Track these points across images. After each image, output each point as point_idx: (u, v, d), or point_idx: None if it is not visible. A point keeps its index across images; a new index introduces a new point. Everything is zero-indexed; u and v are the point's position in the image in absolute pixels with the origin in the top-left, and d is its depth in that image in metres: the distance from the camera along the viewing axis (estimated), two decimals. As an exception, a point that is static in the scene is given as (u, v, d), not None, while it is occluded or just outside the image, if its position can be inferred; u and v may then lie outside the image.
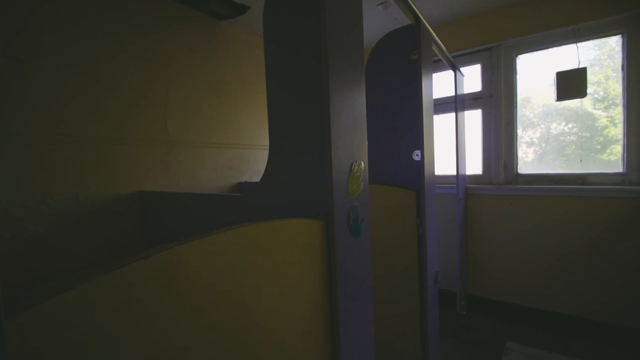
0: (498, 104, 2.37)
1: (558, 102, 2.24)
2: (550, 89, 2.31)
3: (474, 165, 2.52)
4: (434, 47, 1.68)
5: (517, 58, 2.34)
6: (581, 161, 2.20)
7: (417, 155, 1.41)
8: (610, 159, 2.12)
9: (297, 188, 0.83)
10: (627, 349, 1.91)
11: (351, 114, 0.79)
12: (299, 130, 0.81)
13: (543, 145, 2.38)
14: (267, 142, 2.61)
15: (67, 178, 1.48)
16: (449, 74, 2.51)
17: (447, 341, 2.11)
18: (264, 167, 2.54)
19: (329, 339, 0.77)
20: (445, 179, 2.55)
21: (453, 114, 2.34)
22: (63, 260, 1.47)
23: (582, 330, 2.06)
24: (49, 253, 1.43)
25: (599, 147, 2.20)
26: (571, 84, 2.10)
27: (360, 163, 0.80)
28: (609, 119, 2.15)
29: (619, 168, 2.06)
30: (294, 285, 0.67)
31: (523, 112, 2.39)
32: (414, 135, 1.42)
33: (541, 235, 2.18)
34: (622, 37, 2.04)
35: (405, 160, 1.45)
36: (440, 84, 2.63)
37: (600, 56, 2.21)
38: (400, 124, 1.49)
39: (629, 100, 2.02)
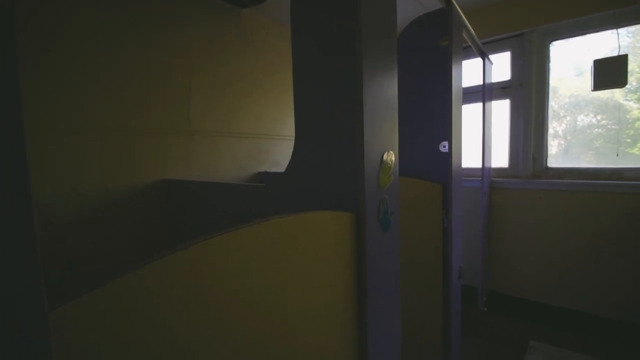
0: (528, 93, 2.26)
1: (586, 93, 2.11)
2: (578, 79, 2.18)
3: (500, 158, 2.43)
4: (464, 34, 1.60)
5: (551, 45, 2.21)
6: (617, 155, 2.08)
7: (444, 146, 1.36)
8: (648, 153, 1.99)
9: (324, 179, 0.81)
10: (661, 353, 1.82)
11: (383, 103, 0.75)
12: (328, 119, 0.78)
13: (568, 138, 2.26)
14: (286, 133, 2.60)
15: (94, 168, 1.51)
16: (476, 62, 2.40)
17: (467, 337, 2.07)
18: (283, 157, 2.54)
19: (357, 332, 0.75)
20: (469, 171, 2.47)
21: (480, 104, 2.25)
22: (91, 248, 1.52)
23: (609, 330, 1.98)
24: (78, 240, 1.47)
25: (629, 140, 2.06)
26: (610, 72, 1.97)
27: (391, 154, 0.77)
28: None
29: (659, 162, 1.94)
30: (325, 279, 0.66)
31: (554, 107, 2.27)
32: (442, 126, 1.37)
33: (570, 232, 2.09)
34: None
35: (431, 152, 1.40)
36: (468, 72, 2.52)
37: (634, 43, 2.06)
38: (428, 115, 1.44)
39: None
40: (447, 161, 1.36)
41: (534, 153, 2.27)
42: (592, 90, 2.04)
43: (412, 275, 1.48)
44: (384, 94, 0.75)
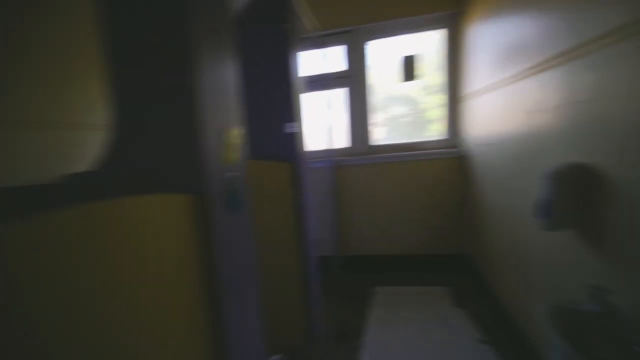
0: (357, 83, 2.65)
1: (399, 87, 2.66)
2: (391, 78, 2.72)
3: (343, 140, 2.78)
4: (304, 21, 1.69)
5: (368, 43, 2.64)
6: (417, 133, 2.73)
7: (290, 127, 1.43)
8: (435, 132, 2.70)
9: (154, 160, 0.70)
10: (449, 270, 2.56)
11: (220, 77, 0.71)
12: (156, 92, 0.67)
13: (389, 124, 2.84)
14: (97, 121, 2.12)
15: None
16: (318, 52, 2.61)
17: (327, 299, 2.33)
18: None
19: (211, 331, 0.71)
20: (318, 153, 2.72)
21: (323, 91, 2.48)
22: None
23: (427, 263, 2.64)
24: None
25: (426, 124, 2.77)
26: (411, 68, 2.53)
27: (235, 130, 0.73)
28: (432, 103, 2.71)
29: (444, 136, 2.65)
30: (160, 275, 0.57)
31: (376, 97, 2.74)
32: (285, 107, 1.43)
33: (393, 194, 2.63)
34: (447, 31, 2.55)
35: (277, 133, 1.45)
36: (311, 61, 2.72)
37: (431, 47, 2.72)
38: (270, 97, 1.46)
39: (449, 87, 2.59)
40: (294, 142, 1.44)
41: (365, 134, 2.71)
42: (403, 82, 2.57)
43: (273, 254, 1.52)
44: (220, 68, 0.70)
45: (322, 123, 2.52)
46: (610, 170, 0.95)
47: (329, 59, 2.55)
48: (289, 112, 1.41)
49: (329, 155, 2.44)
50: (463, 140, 2.54)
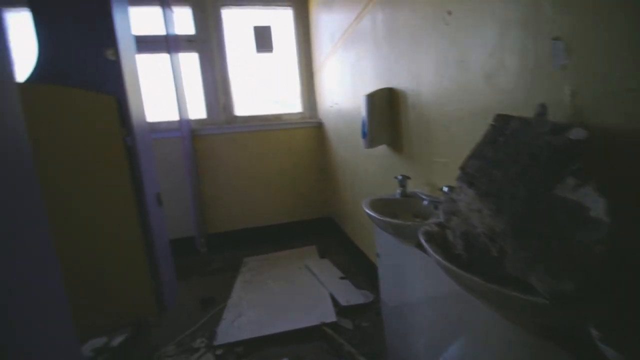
0: (211, 49, 2.53)
1: (253, 61, 2.69)
2: (247, 48, 2.72)
3: (199, 110, 2.59)
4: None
5: (222, 9, 2.57)
6: (275, 105, 2.81)
7: (111, 54, 1.21)
8: (293, 104, 2.84)
9: None
10: (315, 233, 2.71)
11: None
12: None
13: (247, 95, 2.83)
14: None
15: None
16: (157, 10, 2.35)
17: (192, 278, 2.11)
18: None
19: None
20: (168, 125, 2.45)
21: (167, 55, 2.24)
22: None
23: (295, 230, 2.71)
24: None
25: (283, 96, 2.88)
26: (264, 38, 2.57)
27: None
28: (288, 77, 2.85)
29: (300, 110, 2.80)
30: None
31: (231, 66, 2.68)
32: (103, 26, 1.20)
33: (256, 165, 2.62)
34: (292, 10, 2.71)
35: (95, 61, 1.20)
36: (149, 20, 2.43)
37: (282, 24, 2.83)
38: (84, 16, 1.20)
39: (300, 63, 2.76)
40: (118, 72, 1.23)
41: (224, 104, 2.60)
42: (257, 52, 2.59)
43: (98, 209, 1.25)
44: None
45: (170, 90, 2.28)
46: (404, 92, 1.17)
47: (172, 19, 2.33)
48: (106, 32, 1.19)
49: (183, 126, 2.22)
50: (317, 111, 2.76)
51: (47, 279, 0.72)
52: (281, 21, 2.74)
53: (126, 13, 1.36)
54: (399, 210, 1.02)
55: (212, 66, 2.55)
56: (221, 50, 2.57)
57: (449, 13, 0.85)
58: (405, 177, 1.04)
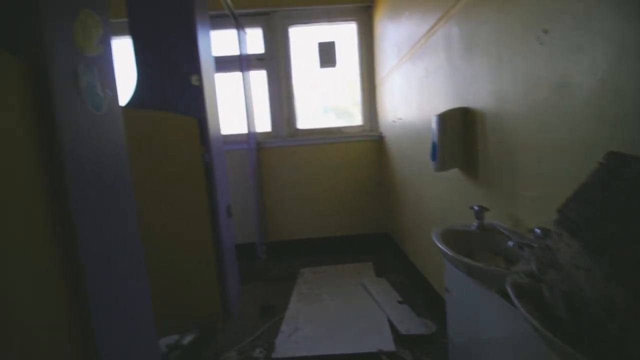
0: (278, 66, 2.65)
1: (316, 76, 2.74)
2: (310, 64, 2.79)
3: (265, 123, 2.73)
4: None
5: (289, 28, 2.68)
6: (338, 119, 2.82)
7: (195, 80, 1.33)
8: (355, 117, 2.84)
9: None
10: (372, 248, 2.65)
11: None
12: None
13: (310, 109, 2.90)
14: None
15: None
16: (232, 32, 2.54)
17: (252, 284, 2.21)
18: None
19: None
20: (237, 137, 2.61)
21: (239, 73, 2.40)
22: None
23: (351, 243, 2.68)
24: None
25: (345, 110, 2.89)
26: (328, 53, 2.62)
27: (94, 16, 0.64)
28: (350, 90, 2.86)
29: (361, 122, 2.79)
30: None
31: (296, 82, 2.77)
32: (190, 56, 1.33)
33: (315, 177, 2.66)
34: (356, 24, 2.72)
35: (182, 87, 1.34)
36: (225, 41, 2.64)
37: (346, 39, 2.86)
38: (172, 42, 1.35)
39: (362, 77, 2.75)
40: (200, 96, 1.35)
41: (288, 117, 2.70)
42: (321, 67, 2.65)
43: (177, 218, 1.38)
44: None
45: (240, 106, 2.44)
46: (481, 113, 1.08)
47: (245, 40, 2.50)
48: (192, 60, 1.31)
49: (250, 139, 2.36)
50: (379, 124, 2.71)
51: (138, 283, 0.80)
52: (344, 35, 2.77)
53: (208, 39, 1.49)
54: (475, 245, 0.93)
55: (278, 82, 2.67)
56: (287, 66, 2.68)
57: (545, 31, 0.76)
58: (483, 209, 0.95)
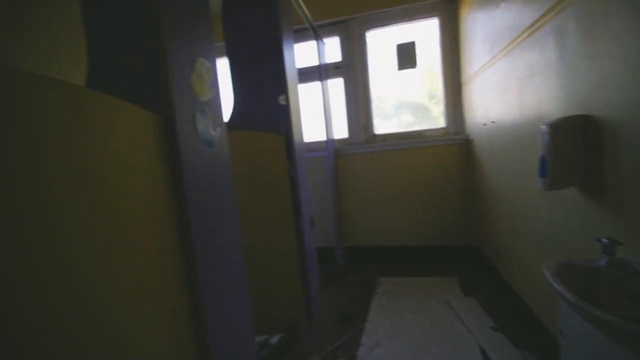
0: (355, 73, 2.63)
1: (395, 79, 2.64)
2: (389, 67, 2.70)
3: (342, 130, 2.75)
4: (298, 12, 1.70)
5: (367, 32, 2.64)
6: (418, 122, 2.68)
7: (282, 100, 1.41)
8: (437, 120, 2.65)
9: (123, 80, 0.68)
10: (457, 261, 2.45)
11: (191, 6, 0.69)
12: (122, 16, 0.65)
13: (389, 113, 2.80)
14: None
15: None
16: (311, 44, 2.62)
17: (330, 288, 2.26)
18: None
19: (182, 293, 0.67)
20: (316, 144, 2.68)
21: (318, 82, 2.46)
22: None
23: (433, 255, 2.54)
24: None
25: (427, 112, 2.72)
26: (407, 55, 2.50)
27: (206, 64, 0.71)
28: (432, 91, 2.68)
29: (443, 125, 2.60)
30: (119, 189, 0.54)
31: (373, 87, 2.71)
32: (277, 77, 1.41)
33: (393, 184, 2.57)
34: (438, 20, 2.54)
35: (271, 106, 1.43)
36: (304, 53, 2.73)
37: (426, 37, 2.70)
38: (263, 65, 1.44)
39: (445, 75, 2.55)
40: (286, 114, 1.42)
41: (364, 124, 2.67)
42: (398, 70, 2.55)
43: (267, 228, 1.47)
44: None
45: (319, 114, 2.50)
46: (610, 122, 0.90)
47: (324, 50, 2.55)
48: (279, 80, 1.39)
49: (329, 146, 2.40)
50: (465, 126, 2.49)
51: (240, 286, 0.87)
52: (422, 33, 2.60)
53: (293, 58, 1.55)
54: (603, 285, 0.78)
55: (355, 88, 2.65)
56: (364, 72, 2.65)
57: None
58: (616, 243, 0.79)
